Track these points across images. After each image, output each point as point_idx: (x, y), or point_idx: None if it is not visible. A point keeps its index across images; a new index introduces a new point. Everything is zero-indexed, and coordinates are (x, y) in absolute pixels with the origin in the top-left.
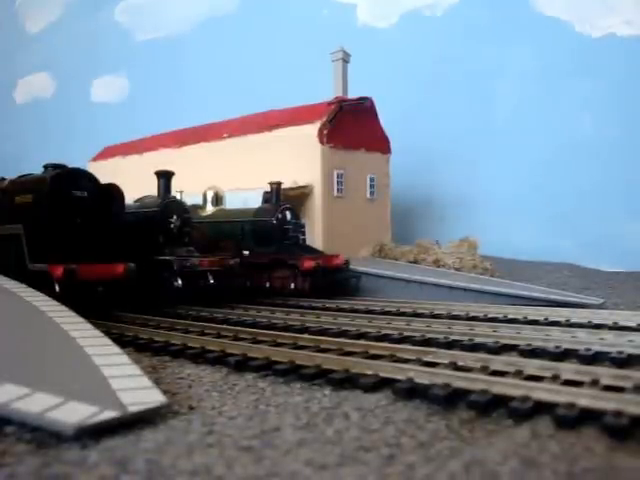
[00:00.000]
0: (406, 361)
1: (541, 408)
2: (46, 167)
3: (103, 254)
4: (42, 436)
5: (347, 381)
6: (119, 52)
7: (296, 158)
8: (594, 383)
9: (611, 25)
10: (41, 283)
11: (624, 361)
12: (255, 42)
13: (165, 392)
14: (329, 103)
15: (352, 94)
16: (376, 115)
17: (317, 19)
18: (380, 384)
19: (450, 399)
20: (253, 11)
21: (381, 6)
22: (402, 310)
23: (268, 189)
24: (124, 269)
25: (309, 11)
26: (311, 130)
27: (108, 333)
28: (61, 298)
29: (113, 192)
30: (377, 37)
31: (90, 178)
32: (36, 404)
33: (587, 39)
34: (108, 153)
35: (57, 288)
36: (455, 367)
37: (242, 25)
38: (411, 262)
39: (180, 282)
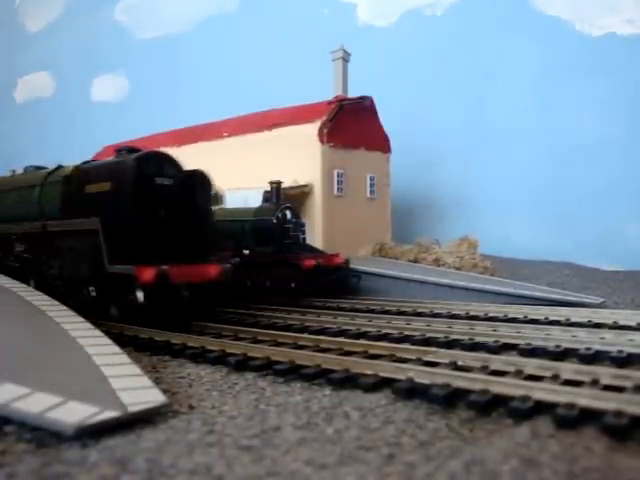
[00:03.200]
0: (406, 361)
1: (541, 408)
2: (119, 150)
3: (189, 253)
4: (42, 436)
5: (347, 381)
6: (119, 51)
7: (296, 157)
8: (594, 383)
9: (611, 24)
10: (119, 288)
11: (624, 360)
12: (255, 41)
13: (165, 391)
14: (329, 102)
15: (352, 93)
16: (376, 114)
17: (317, 18)
18: (380, 384)
19: (450, 399)
20: (253, 10)
21: (381, 5)
22: (402, 309)
23: (268, 188)
24: (220, 270)
25: (309, 10)
26: (311, 129)
27: (108, 333)
28: (143, 306)
29: (199, 180)
30: (377, 36)
31: (173, 163)
32: (36, 404)
33: (587, 38)
34: (108, 152)
35: (139, 295)
36: (455, 367)
37: (242, 24)
38: (411, 261)
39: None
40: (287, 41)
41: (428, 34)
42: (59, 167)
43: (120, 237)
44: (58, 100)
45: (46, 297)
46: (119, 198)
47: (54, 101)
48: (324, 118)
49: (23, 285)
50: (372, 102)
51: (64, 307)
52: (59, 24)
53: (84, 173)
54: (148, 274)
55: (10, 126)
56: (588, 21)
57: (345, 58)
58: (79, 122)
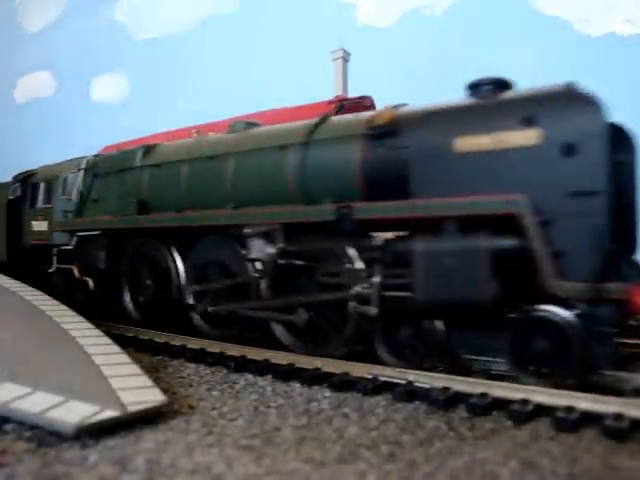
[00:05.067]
0: None
1: (541, 411)
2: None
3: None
4: (42, 435)
5: (347, 384)
6: (119, 51)
7: None
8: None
9: (611, 24)
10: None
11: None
12: (255, 41)
13: (165, 391)
14: (329, 102)
15: (352, 93)
16: None
17: (317, 18)
18: (380, 388)
19: (450, 403)
20: (253, 10)
21: (381, 6)
22: None
23: None
24: None
25: (309, 10)
26: None
27: (108, 333)
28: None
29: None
30: (377, 36)
31: (630, 135)
32: (36, 403)
33: (587, 38)
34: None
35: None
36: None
37: (242, 24)
38: None
39: None
40: (287, 41)
41: (427, 34)
42: (325, 117)
43: (574, 233)
44: (58, 100)
45: (46, 297)
46: (585, 166)
47: (54, 101)
48: None
49: (23, 285)
50: (372, 102)
51: (64, 307)
52: (59, 24)
53: (440, 118)
54: None
55: (10, 126)
56: (588, 21)
57: (345, 58)
58: (79, 122)
